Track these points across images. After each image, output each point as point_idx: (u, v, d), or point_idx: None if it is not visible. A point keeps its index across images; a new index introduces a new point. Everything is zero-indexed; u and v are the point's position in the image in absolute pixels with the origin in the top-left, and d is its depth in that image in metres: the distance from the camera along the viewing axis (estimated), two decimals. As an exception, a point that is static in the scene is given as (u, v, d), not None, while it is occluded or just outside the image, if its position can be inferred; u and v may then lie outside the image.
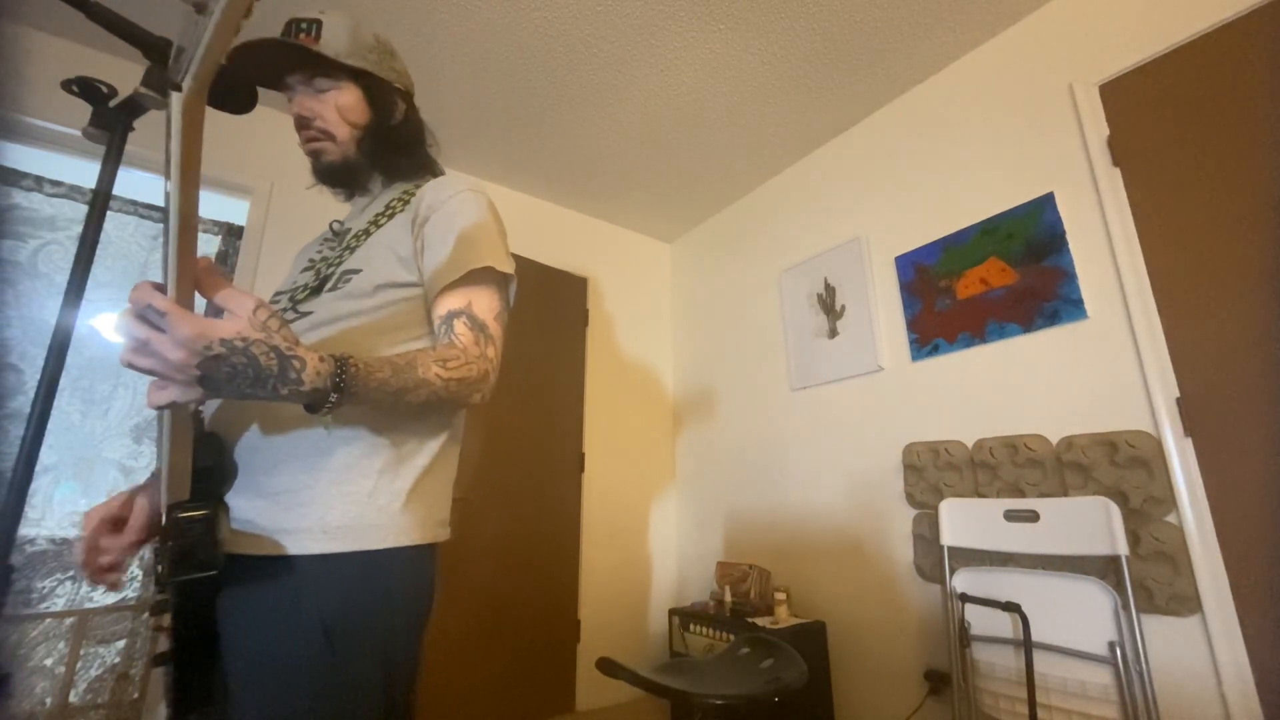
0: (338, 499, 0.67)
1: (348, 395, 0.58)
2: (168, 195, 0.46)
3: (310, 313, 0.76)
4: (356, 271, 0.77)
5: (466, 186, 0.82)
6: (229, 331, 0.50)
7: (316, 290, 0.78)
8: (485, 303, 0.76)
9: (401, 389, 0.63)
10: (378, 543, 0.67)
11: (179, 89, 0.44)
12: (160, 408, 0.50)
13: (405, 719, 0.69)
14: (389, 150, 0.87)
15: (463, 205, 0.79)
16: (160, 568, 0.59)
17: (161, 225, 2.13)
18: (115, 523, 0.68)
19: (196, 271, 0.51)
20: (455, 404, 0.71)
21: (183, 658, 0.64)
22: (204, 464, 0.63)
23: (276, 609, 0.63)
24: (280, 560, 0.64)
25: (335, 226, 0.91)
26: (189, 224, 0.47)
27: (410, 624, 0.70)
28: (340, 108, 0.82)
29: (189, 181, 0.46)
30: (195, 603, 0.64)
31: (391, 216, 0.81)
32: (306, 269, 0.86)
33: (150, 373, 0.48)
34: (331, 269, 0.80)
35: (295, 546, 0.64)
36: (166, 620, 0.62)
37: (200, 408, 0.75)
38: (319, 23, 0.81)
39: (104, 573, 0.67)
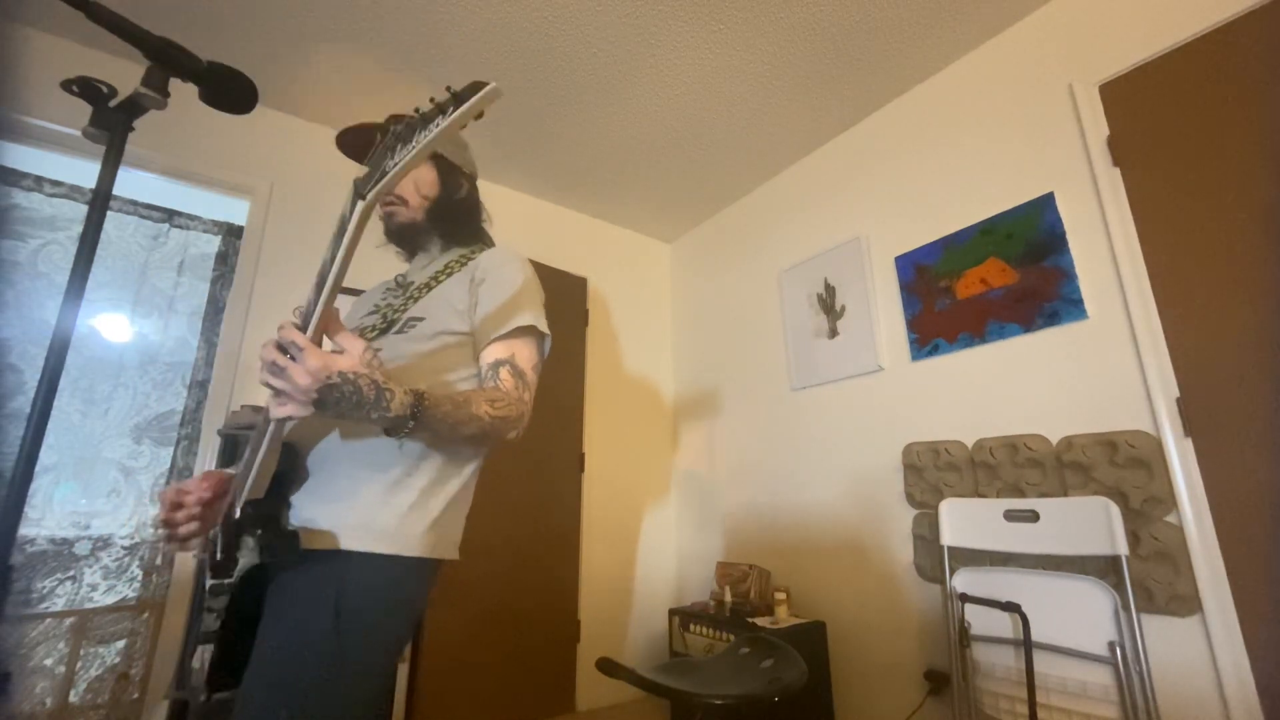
0: (381, 506, 0.79)
1: (421, 423, 0.71)
2: (328, 263, 0.61)
3: (379, 350, 0.88)
4: (420, 319, 0.91)
5: (516, 258, 0.98)
6: (345, 365, 0.65)
7: (384, 331, 0.92)
8: (525, 355, 0.91)
9: (460, 421, 0.76)
10: (399, 550, 0.78)
11: (364, 199, 0.57)
12: (281, 420, 0.64)
13: (383, 701, 0.79)
14: (450, 219, 1.04)
15: (513, 274, 0.95)
16: (221, 555, 0.73)
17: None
18: (185, 494, 0.82)
19: (327, 319, 0.65)
20: (496, 438, 0.83)
21: (228, 637, 0.78)
22: (279, 470, 0.76)
23: (307, 591, 0.74)
24: (325, 553, 0.75)
25: (399, 279, 1.06)
26: (337, 288, 0.61)
27: (404, 623, 0.81)
28: (417, 182, 1.00)
29: (347, 260, 0.60)
30: (251, 590, 0.75)
31: (450, 275, 0.97)
32: (372, 313, 1.00)
33: (279, 392, 0.62)
34: (397, 315, 0.94)
35: (343, 542, 0.76)
36: (222, 603, 0.74)
37: None
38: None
39: (179, 525, 0.80)
